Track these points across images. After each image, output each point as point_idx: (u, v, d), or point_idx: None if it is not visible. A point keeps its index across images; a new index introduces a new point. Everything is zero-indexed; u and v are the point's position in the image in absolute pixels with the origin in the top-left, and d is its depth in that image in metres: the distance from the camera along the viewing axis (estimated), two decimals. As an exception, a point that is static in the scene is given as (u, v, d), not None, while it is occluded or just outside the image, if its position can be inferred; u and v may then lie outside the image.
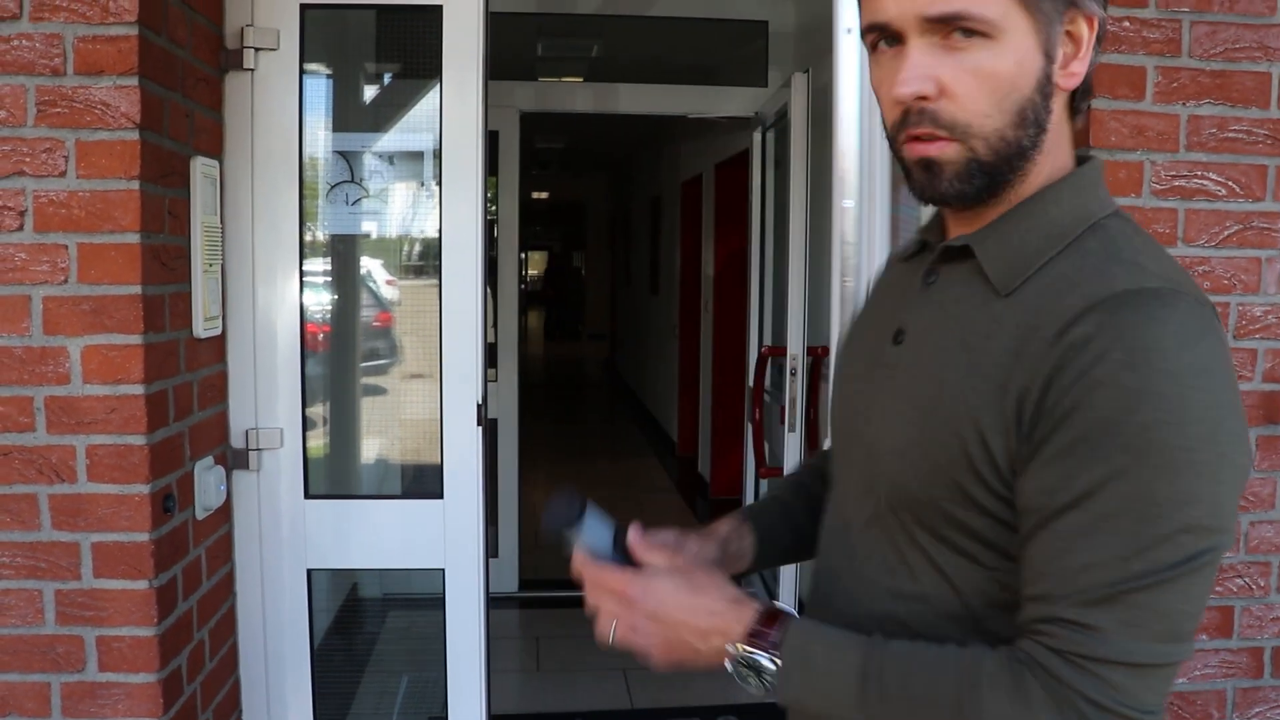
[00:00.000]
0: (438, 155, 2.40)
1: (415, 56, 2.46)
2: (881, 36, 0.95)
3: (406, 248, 2.59)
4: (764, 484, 4.84)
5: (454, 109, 2.40)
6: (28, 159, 1.88)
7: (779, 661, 0.95)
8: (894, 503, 0.98)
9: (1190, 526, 0.82)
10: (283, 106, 2.37)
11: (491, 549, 2.08)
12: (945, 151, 0.93)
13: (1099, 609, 0.83)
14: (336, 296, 2.61)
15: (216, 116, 2.32)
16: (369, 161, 2.52)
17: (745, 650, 0.97)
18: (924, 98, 0.92)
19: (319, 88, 2.49)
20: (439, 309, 2.45)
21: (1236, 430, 0.85)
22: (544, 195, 16.49)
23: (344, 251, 2.57)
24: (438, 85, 2.39)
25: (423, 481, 2.61)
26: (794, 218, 3.79)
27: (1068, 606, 0.84)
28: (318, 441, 2.54)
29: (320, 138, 2.47)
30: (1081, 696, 0.83)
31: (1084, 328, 0.85)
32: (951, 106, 0.92)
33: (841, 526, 1.08)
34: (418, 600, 2.80)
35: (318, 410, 2.58)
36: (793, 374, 3.83)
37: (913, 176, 0.97)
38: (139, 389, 1.93)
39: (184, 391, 2.13)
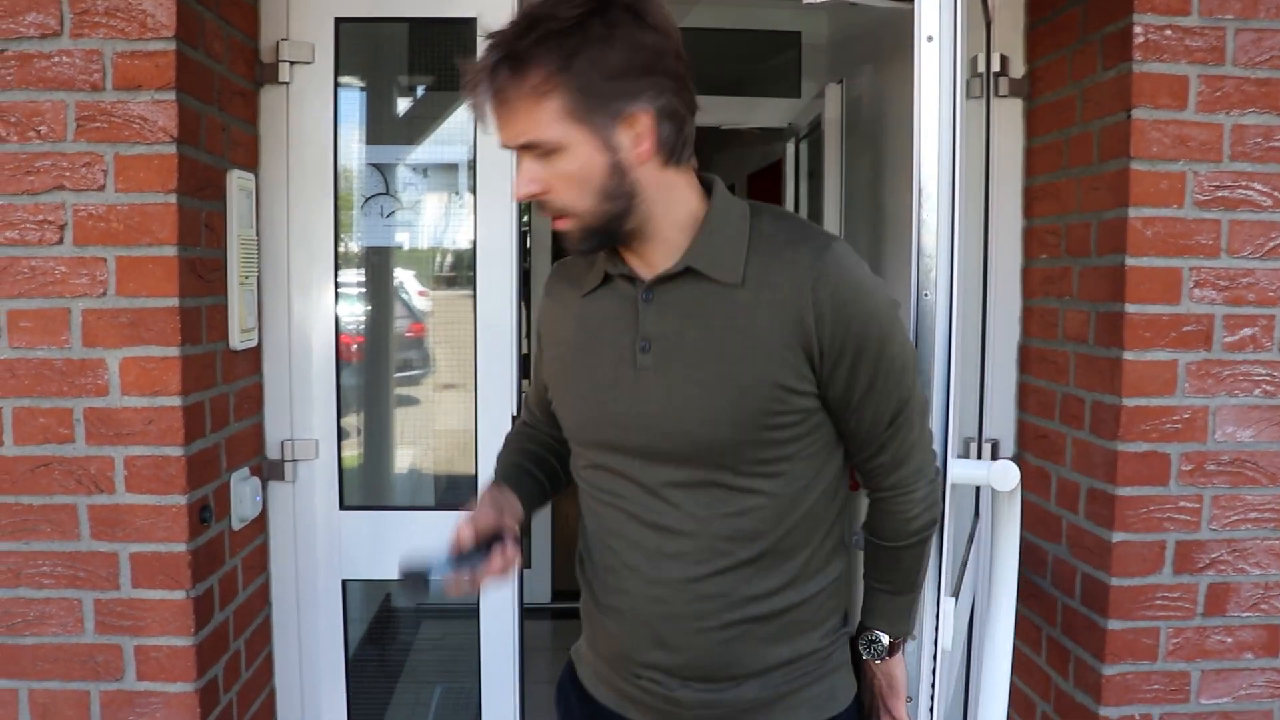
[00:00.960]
0: (472, 167, 2.41)
1: (449, 68, 2.47)
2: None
3: (440, 259, 2.60)
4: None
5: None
6: (68, 173, 1.91)
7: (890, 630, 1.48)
8: (715, 458, 1.29)
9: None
10: (317, 119, 2.38)
11: (525, 560, 2.11)
12: (566, 225, 1.28)
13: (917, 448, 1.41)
14: (371, 308, 2.63)
15: (252, 130, 2.34)
16: (403, 174, 2.53)
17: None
18: (535, 194, 1.25)
19: (353, 100, 2.50)
20: (473, 321, 2.46)
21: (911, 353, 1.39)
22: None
23: (378, 263, 2.58)
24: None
25: (457, 493, 2.61)
26: (828, 227, 3.76)
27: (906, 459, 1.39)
28: (352, 453, 2.55)
29: (355, 150, 2.49)
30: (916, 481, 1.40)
31: (823, 285, 1.26)
32: (556, 198, 1.25)
33: (647, 490, 1.34)
34: (452, 610, 2.79)
35: (352, 422, 2.59)
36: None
37: (564, 241, 1.30)
38: (176, 400, 1.94)
39: (220, 403, 2.14)
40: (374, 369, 2.67)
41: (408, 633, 3.37)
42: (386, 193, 2.50)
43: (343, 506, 2.48)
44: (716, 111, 4.85)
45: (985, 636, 1.92)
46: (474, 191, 2.42)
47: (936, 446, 1.50)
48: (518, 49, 1.19)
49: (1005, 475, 1.66)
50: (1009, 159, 2.58)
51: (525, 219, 5.05)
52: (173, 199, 1.91)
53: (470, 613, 2.51)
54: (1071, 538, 2.33)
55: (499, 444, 2.45)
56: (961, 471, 1.58)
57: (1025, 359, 2.57)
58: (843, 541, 1.43)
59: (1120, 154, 2.12)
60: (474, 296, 2.45)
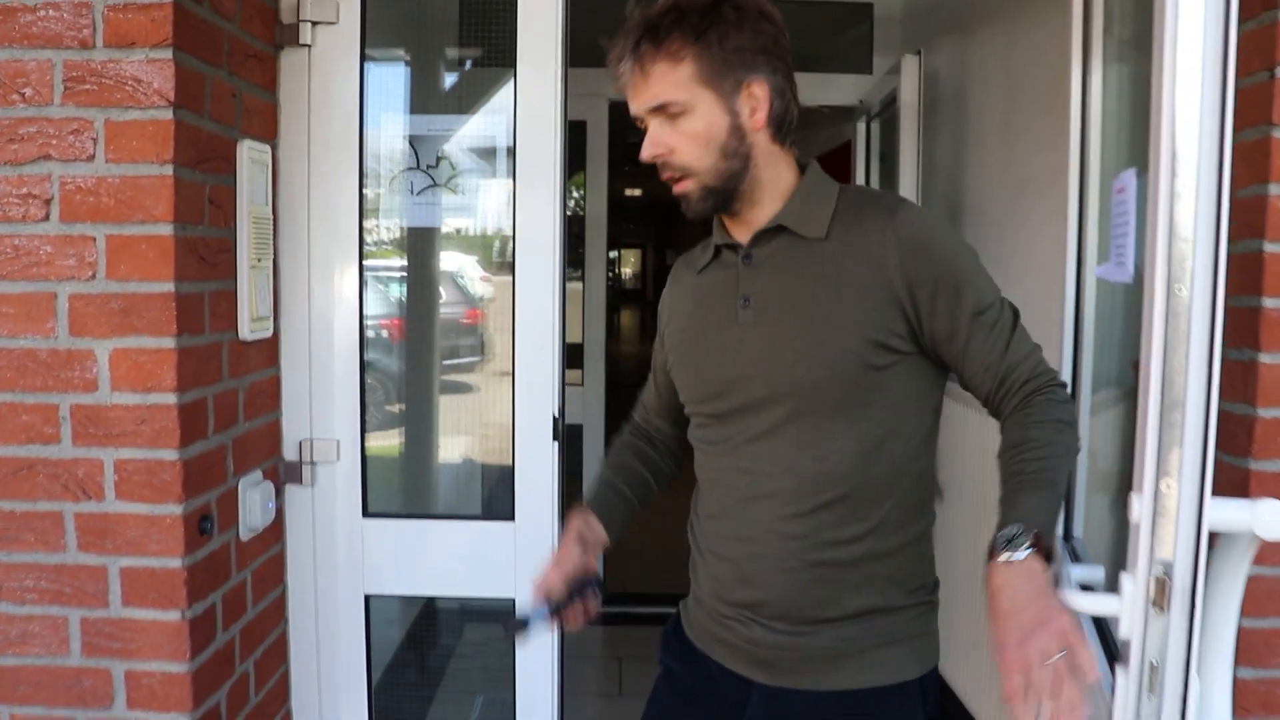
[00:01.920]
0: (511, 147, 2.17)
1: (489, 36, 2.23)
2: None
3: (478, 242, 2.36)
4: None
5: (530, 96, 2.16)
6: (54, 141, 1.69)
7: (1028, 535, 1.20)
8: (806, 398, 1.38)
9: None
10: (343, 86, 2.15)
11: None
12: (686, 186, 1.40)
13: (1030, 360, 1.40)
14: (400, 295, 2.40)
15: (270, 97, 2.11)
16: (437, 148, 2.29)
17: (1019, 556, 1.19)
18: (660, 156, 1.39)
19: (382, 67, 2.27)
20: (512, 311, 2.22)
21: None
22: (637, 192, 16.26)
23: (409, 245, 2.35)
24: (512, 70, 2.15)
25: (493, 501, 2.38)
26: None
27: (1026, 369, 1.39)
28: (378, 454, 2.32)
29: (384, 121, 2.25)
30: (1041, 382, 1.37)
31: (893, 232, 1.36)
32: (678, 158, 1.38)
33: (747, 439, 1.44)
34: (490, 610, 2.56)
35: (378, 420, 2.37)
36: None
37: (681, 204, 1.43)
38: (171, 398, 1.73)
39: (227, 400, 1.93)
40: (404, 363, 2.44)
41: (444, 640, 3.16)
42: (418, 168, 2.27)
43: (366, 513, 2.27)
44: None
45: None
46: (513, 174, 2.18)
47: (1191, 481, 1.19)
48: (659, 24, 1.36)
49: (1274, 519, 1.26)
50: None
51: (577, 194, 4.81)
52: (168, 170, 1.69)
53: (502, 600, 2.29)
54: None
55: (537, 448, 2.25)
56: (1222, 515, 1.24)
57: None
58: (928, 503, 1.50)
59: (1260, 120, 1.80)
60: (513, 286, 2.21)
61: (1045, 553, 1.20)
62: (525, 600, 1.52)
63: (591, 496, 1.68)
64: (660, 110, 1.37)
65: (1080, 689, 1.05)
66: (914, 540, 1.47)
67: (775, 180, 1.44)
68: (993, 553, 1.20)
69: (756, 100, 1.38)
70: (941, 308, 1.37)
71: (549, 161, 2.18)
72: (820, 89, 4.47)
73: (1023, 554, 1.17)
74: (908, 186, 3.43)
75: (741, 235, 1.47)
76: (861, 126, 4.38)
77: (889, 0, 4.41)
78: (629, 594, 4.92)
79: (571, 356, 2.24)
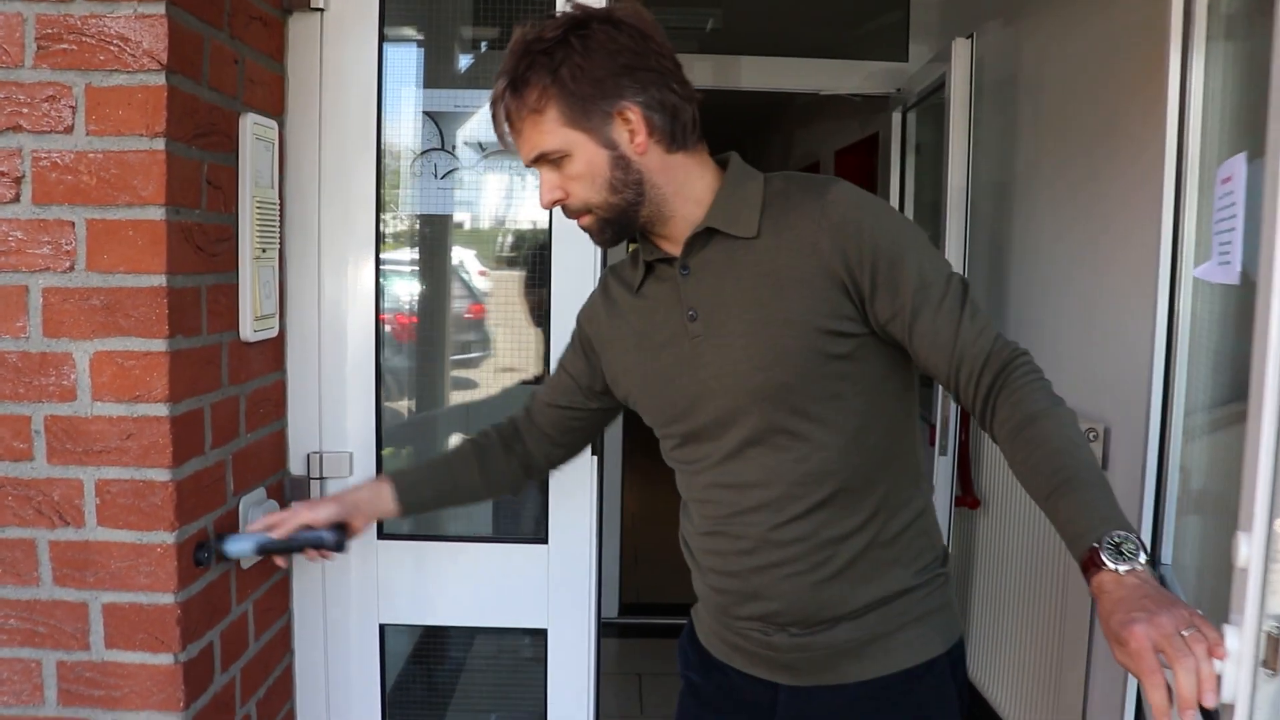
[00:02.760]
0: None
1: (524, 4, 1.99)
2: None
3: (508, 233, 2.12)
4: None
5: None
6: (25, 110, 1.45)
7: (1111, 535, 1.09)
8: (774, 403, 1.34)
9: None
10: (359, 55, 1.91)
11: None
12: (585, 221, 1.40)
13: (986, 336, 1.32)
14: (422, 290, 2.16)
15: (277, 67, 1.87)
16: (466, 127, 2.05)
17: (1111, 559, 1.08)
18: (557, 200, 1.38)
19: (404, 34, 2.03)
20: (547, 311, 1.99)
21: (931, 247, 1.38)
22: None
23: (432, 235, 2.11)
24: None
25: (523, 522, 2.15)
26: (952, 208, 3.23)
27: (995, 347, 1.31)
28: (394, 469, 2.09)
29: (404, 95, 2.01)
30: (1021, 362, 1.30)
31: (825, 218, 1.32)
32: (573, 200, 1.38)
33: (724, 455, 1.40)
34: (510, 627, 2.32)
35: (395, 429, 2.13)
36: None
37: (590, 236, 1.42)
38: (163, 409, 1.49)
39: (227, 410, 1.69)
40: (426, 367, 2.21)
41: (456, 656, 2.91)
42: (443, 148, 2.03)
43: (381, 535, 2.03)
44: (813, 76, 4.33)
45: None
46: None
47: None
48: (516, 75, 1.33)
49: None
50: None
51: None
52: (160, 145, 1.45)
53: (534, 631, 2.07)
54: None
55: (573, 463, 2.02)
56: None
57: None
58: (921, 478, 1.46)
59: None
60: (549, 283, 1.98)
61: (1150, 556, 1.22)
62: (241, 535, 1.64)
63: (405, 470, 1.70)
64: (541, 159, 1.36)
65: (1213, 665, 0.97)
66: (914, 519, 1.44)
67: (684, 189, 1.40)
68: (1096, 562, 1.09)
69: (632, 124, 1.34)
70: (882, 286, 1.31)
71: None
72: (853, 76, 4.23)
73: (1142, 560, 1.08)
74: (957, 176, 3.19)
75: (671, 247, 1.43)
76: (896, 117, 4.14)
77: (927, -16, 4.19)
78: (644, 604, 4.69)
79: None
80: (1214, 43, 1.94)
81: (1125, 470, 2.20)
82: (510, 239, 2.14)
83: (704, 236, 1.39)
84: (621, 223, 1.39)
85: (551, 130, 1.33)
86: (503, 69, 1.35)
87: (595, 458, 2.01)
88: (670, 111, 1.35)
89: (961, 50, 3.16)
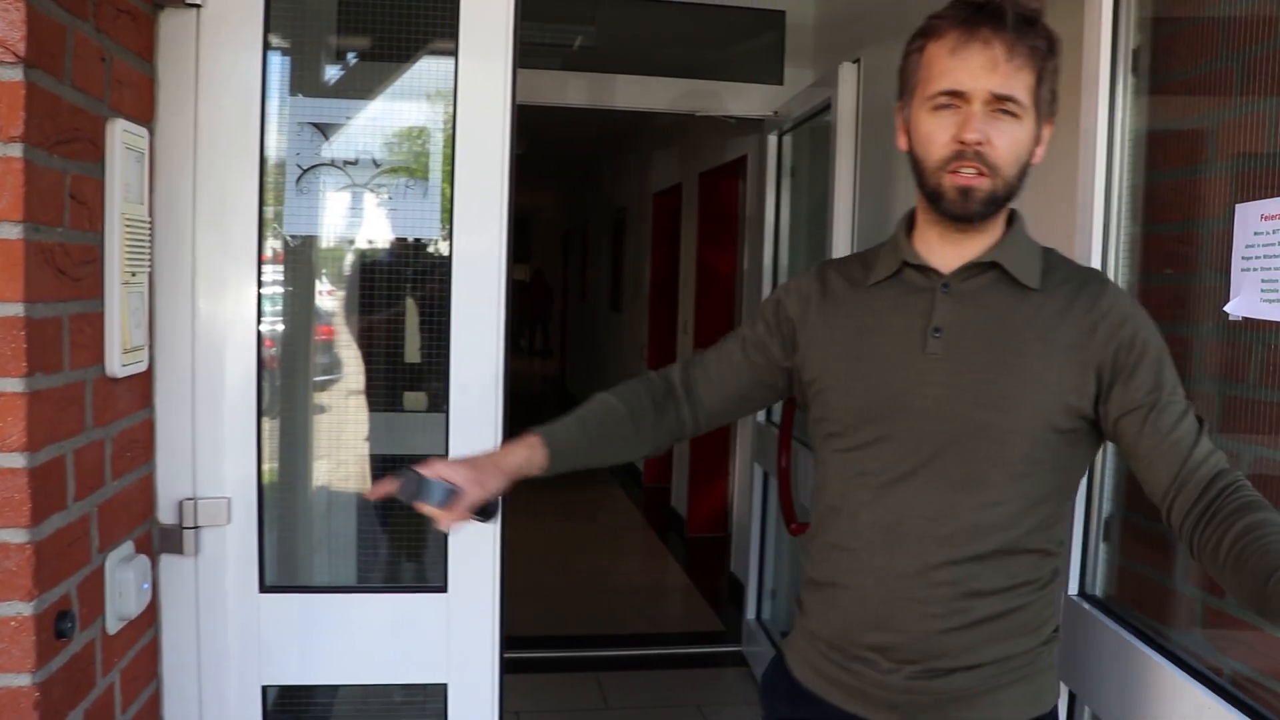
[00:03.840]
0: (450, 136, 1.80)
1: (425, 8, 1.84)
2: (951, 100, 1.35)
3: (406, 254, 1.96)
4: (759, 531, 4.29)
5: (474, 82, 1.79)
6: None
7: None
8: (984, 445, 1.36)
9: None
10: (239, 59, 1.73)
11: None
12: (981, 183, 1.36)
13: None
14: (309, 319, 1.97)
15: (147, 68, 1.68)
16: (356, 140, 1.89)
17: None
18: (979, 144, 1.34)
19: (290, 36, 1.85)
20: (448, 335, 1.84)
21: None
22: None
23: (316, 257, 1.93)
24: (453, 50, 1.78)
25: (421, 568, 1.98)
26: (837, 231, 3.22)
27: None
28: (279, 515, 1.90)
29: (290, 105, 1.83)
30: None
31: (1105, 301, 1.39)
32: (993, 154, 1.34)
33: (904, 474, 1.39)
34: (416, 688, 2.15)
35: (278, 472, 1.93)
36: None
37: (945, 198, 1.37)
38: (19, 460, 1.28)
39: (91, 456, 1.48)
40: (313, 403, 2.03)
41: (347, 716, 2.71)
42: (332, 164, 1.86)
43: (264, 588, 1.84)
44: (689, 97, 4.28)
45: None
46: (451, 169, 1.81)
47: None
48: (1032, 20, 1.34)
49: None
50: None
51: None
52: (18, 152, 1.25)
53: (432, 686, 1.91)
54: (1215, 627, 1.81)
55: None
56: None
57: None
58: (1061, 550, 1.49)
59: None
60: (449, 304, 1.84)
61: None
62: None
63: (554, 426, 1.58)
64: (1000, 100, 1.33)
65: None
66: (1049, 585, 1.46)
67: (1002, 218, 1.43)
68: None
69: (1045, 138, 1.41)
70: (1143, 372, 1.35)
71: (494, 161, 1.82)
72: (729, 98, 4.20)
73: None
74: (844, 200, 3.18)
75: (941, 261, 1.44)
76: (772, 140, 4.14)
77: (801, 8, 4.19)
78: (520, 638, 4.53)
79: (509, 392, 1.88)
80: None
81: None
82: (415, 259, 1.98)
83: (984, 267, 1.42)
84: (1000, 204, 1.39)
85: (1028, 88, 1.34)
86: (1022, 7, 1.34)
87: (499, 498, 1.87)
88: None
89: (848, 75, 3.16)
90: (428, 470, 1.35)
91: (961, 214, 1.38)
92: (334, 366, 2.03)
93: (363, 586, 1.94)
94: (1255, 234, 1.56)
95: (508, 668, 4.23)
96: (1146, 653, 1.79)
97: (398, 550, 1.99)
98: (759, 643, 4.18)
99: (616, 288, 9.73)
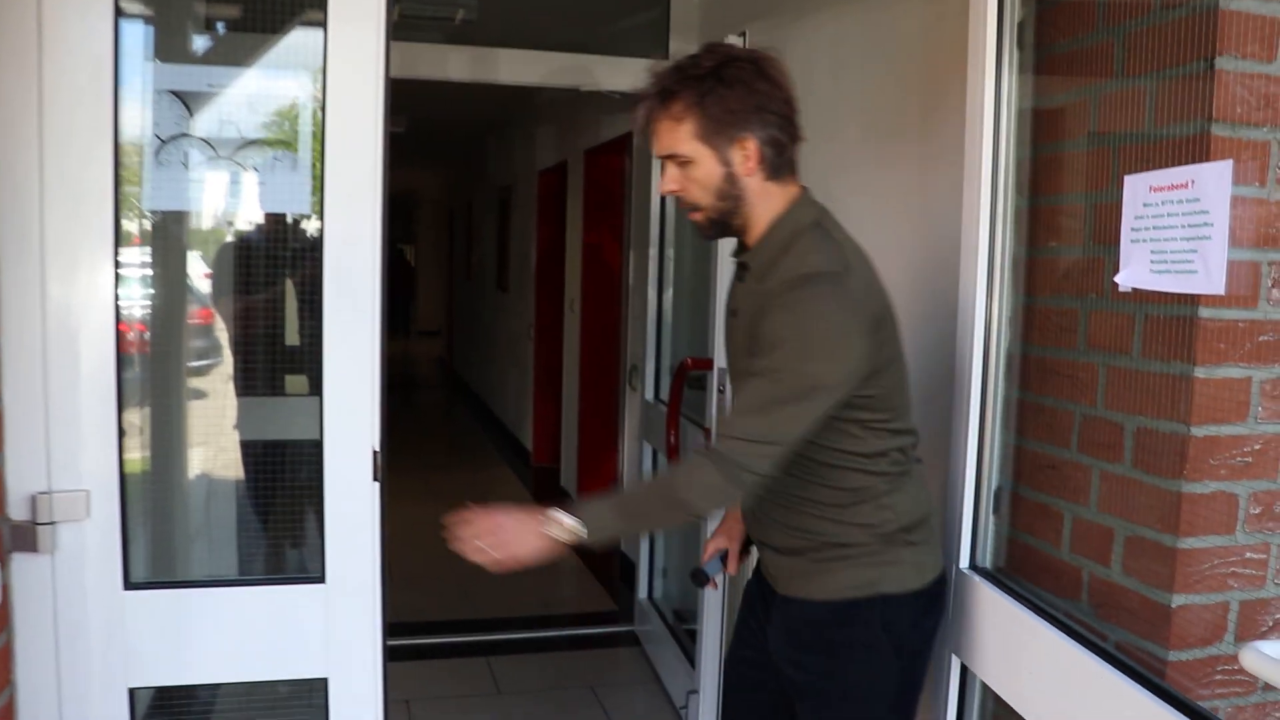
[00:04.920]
0: (320, 110, 1.71)
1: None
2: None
3: (278, 233, 1.86)
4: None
5: (343, 45, 1.71)
6: None
7: (576, 513, 1.69)
8: None
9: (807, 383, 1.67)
10: (87, 22, 1.62)
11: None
12: (695, 217, 1.78)
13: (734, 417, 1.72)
14: (171, 299, 1.87)
15: (-15, 30, 1.56)
16: (222, 111, 1.79)
17: (554, 514, 1.67)
18: (674, 191, 1.74)
19: (147, 1, 1.74)
20: (320, 319, 1.76)
21: (830, 348, 1.67)
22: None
23: (181, 234, 1.83)
24: (322, 13, 1.70)
25: (297, 558, 1.91)
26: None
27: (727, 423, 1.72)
28: (143, 507, 1.80)
29: (148, 72, 1.73)
30: (716, 452, 1.68)
31: (782, 290, 1.68)
32: (689, 196, 1.74)
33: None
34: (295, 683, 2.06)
35: (149, 462, 1.83)
36: (720, 390, 3.26)
37: (698, 229, 1.81)
38: None
39: (-71, 449, 1.37)
40: (176, 387, 1.92)
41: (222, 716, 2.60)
42: (193, 134, 1.76)
43: (129, 585, 1.74)
44: (575, 71, 4.22)
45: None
46: (321, 157, 1.72)
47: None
48: (668, 86, 1.66)
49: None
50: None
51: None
52: None
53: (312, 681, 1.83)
54: (1099, 595, 1.86)
55: (353, 490, 1.81)
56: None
57: (1025, 371, 2.08)
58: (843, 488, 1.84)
59: (1197, 115, 1.63)
60: (320, 287, 1.76)
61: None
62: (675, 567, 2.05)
63: None
64: (671, 158, 1.70)
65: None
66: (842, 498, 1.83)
67: (765, 213, 1.76)
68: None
69: (748, 152, 1.69)
70: (759, 355, 1.68)
71: (367, 137, 1.75)
72: (616, 73, 4.15)
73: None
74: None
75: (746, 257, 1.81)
76: (658, 115, 4.10)
77: (687, -18, 4.17)
78: (406, 624, 4.44)
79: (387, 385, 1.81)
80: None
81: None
82: (286, 238, 1.89)
83: (745, 265, 1.79)
84: (723, 224, 1.76)
85: (685, 139, 1.67)
86: (655, 79, 1.68)
87: (378, 484, 1.81)
88: (777, 148, 1.71)
89: (732, 49, 3.13)
90: (704, 560, 2.09)
91: (707, 237, 1.87)
92: (210, 351, 1.93)
93: (237, 580, 1.87)
94: (1145, 205, 1.59)
95: (396, 655, 4.13)
96: (1034, 621, 1.83)
97: (274, 540, 1.91)
98: (651, 622, 4.18)
99: (503, 267, 9.61)
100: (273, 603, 1.80)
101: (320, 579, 1.81)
